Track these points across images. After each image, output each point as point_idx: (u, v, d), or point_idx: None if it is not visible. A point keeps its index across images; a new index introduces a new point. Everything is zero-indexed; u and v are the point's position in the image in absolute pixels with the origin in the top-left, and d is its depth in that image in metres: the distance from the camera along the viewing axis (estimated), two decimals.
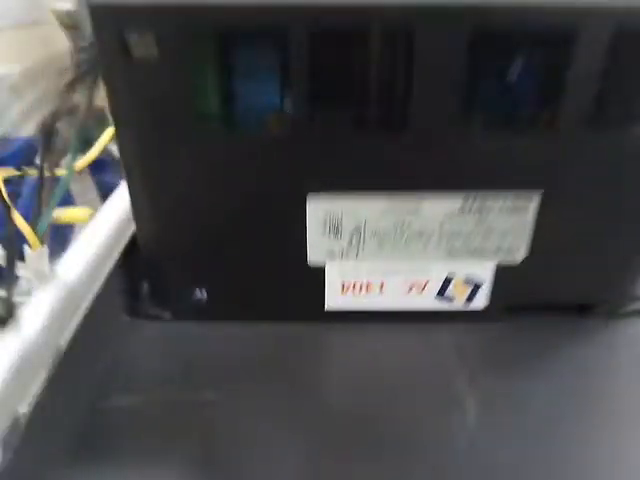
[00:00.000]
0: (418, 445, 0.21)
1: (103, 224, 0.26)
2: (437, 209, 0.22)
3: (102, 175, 0.39)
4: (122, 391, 0.22)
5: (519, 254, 0.23)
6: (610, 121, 0.20)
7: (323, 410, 0.22)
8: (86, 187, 0.40)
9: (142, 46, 0.19)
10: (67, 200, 0.35)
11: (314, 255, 0.23)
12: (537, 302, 0.25)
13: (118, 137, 0.21)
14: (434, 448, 0.21)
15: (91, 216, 0.28)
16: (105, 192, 0.37)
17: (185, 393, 0.22)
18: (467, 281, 0.24)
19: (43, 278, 0.22)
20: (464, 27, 0.18)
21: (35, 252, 0.22)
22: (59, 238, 0.32)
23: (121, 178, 0.28)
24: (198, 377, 0.23)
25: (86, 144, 0.33)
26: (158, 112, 0.20)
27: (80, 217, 0.30)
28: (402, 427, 0.21)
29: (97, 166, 0.37)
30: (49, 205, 0.22)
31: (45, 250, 0.22)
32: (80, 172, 0.32)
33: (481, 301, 0.25)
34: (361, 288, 0.24)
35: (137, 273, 0.26)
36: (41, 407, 0.19)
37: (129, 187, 0.23)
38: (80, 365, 0.22)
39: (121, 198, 0.28)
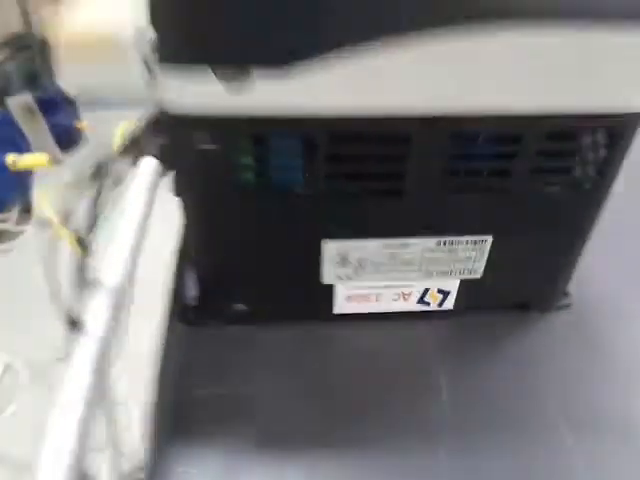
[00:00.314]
0: (403, 406, 0.30)
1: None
2: (420, 247, 0.30)
3: (55, 117, 0.38)
4: (193, 386, 0.30)
5: (477, 273, 0.32)
6: (535, 187, 0.28)
7: (332, 384, 0.31)
8: (40, 130, 0.38)
9: (203, 141, 0.26)
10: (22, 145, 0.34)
11: (327, 278, 0.31)
12: (490, 303, 0.34)
13: (181, 198, 0.28)
14: (414, 405, 0.30)
15: (49, 161, 0.31)
16: (59, 134, 0.36)
17: (236, 386, 0.30)
18: (440, 291, 0.33)
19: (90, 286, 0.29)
20: (443, 131, 0.25)
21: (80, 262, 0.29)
22: (18, 184, 0.32)
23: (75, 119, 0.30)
24: (243, 373, 0.31)
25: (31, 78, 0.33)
26: (212, 181, 0.27)
27: (38, 162, 0.31)
28: (393, 393, 0.30)
29: (49, 106, 0.35)
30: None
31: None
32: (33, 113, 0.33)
33: (450, 304, 0.34)
34: (361, 298, 0.33)
35: (187, 290, 0.33)
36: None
37: (188, 232, 0.30)
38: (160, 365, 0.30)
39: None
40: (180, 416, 0.29)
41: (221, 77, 0.23)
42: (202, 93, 0.23)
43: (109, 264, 0.31)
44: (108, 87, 0.25)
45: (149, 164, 0.38)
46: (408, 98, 0.24)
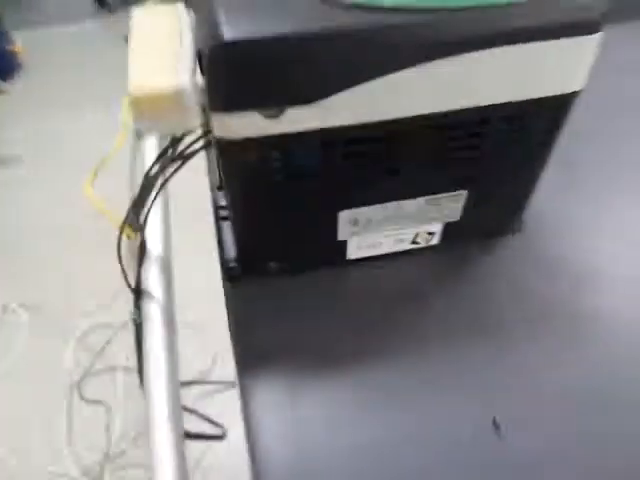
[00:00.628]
0: (405, 318, 0.40)
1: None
2: (412, 206, 0.38)
3: None
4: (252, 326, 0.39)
5: (456, 217, 0.41)
6: (498, 154, 0.37)
7: (354, 308, 0.41)
8: None
9: (246, 156, 0.33)
10: None
11: (341, 235, 0.40)
12: (464, 235, 0.44)
13: (226, 188, 0.36)
14: (413, 316, 0.40)
15: None
16: None
17: (286, 321, 0.40)
18: (427, 233, 0.42)
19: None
20: (425, 133, 0.33)
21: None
22: None
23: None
24: (287, 310, 0.40)
25: None
26: (251, 179, 0.34)
27: None
28: (398, 309, 0.41)
29: None
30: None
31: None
32: None
33: (435, 240, 0.43)
34: (367, 246, 0.41)
35: (227, 253, 0.42)
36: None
37: (234, 215, 0.37)
38: None
39: None
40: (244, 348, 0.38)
41: (262, 114, 0.29)
42: (245, 125, 0.30)
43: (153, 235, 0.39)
44: (176, 130, 0.31)
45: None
46: (401, 107, 0.32)
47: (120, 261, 0.40)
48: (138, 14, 0.34)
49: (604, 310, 0.41)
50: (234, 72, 0.28)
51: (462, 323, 0.41)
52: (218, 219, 0.46)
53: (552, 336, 0.39)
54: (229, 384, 1.15)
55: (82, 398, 1.22)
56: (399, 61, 0.29)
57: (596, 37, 0.32)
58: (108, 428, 1.15)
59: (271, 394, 0.37)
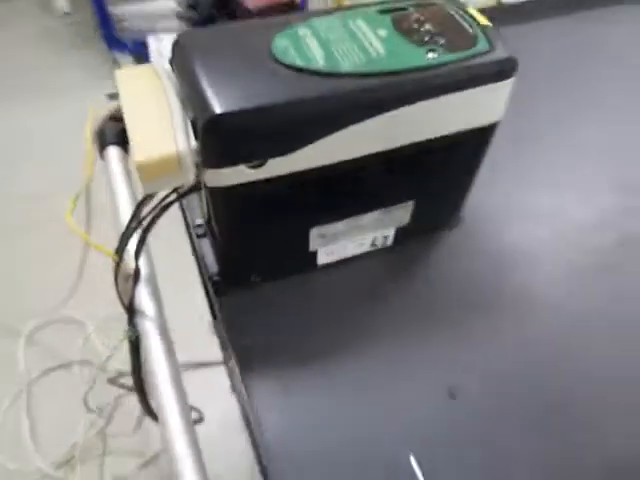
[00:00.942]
0: (371, 307, 0.48)
1: None
2: (369, 218, 0.46)
3: None
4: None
5: (405, 222, 0.49)
6: (438, 173, 0.44)
7: (326, 303, 0.48)
8: None
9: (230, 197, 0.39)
10: None
11: (312, 247, 0.47)
12: (413, 233, 0.51)
13: (216, 220, 0.41)
14: (373, 307, 0.48)
15: None
16: None
17: (273, 320, 0.46)
18: (383, 236, 0.49)
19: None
20: (379, 165, 0.40)
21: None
22: None
23: None
24: (271, 312, 0.47)
25: None
26: (236, 206, 0.40)
27: None
28: (363, 300, 0.48)
29: None
30: None
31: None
32: None
33: (389, 242, 0.51)
34: (334, 252, 0.49)
35: (210, 268, 0.48)
36: None
37: (221, 238, 0.43)
38: None
39: None
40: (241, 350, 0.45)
41: (247, 166, 0.35)
42: (234, 175, 0.36)
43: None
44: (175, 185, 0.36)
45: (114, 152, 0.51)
46: (356, 149, 0.39)
47: (117, 287, 0.45)
48: (122, 75, 0.39)
49: (538, 287, 0.50)
50: (225, 139, 0.34)
51: (416, 311, 0.49)
52: (195, 237, 0.52)
53: (494, 314, 0.49)
54: (194, 365, 1.22)
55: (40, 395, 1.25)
56: (353, 117, 0.36)
57: (511, 80, 0.39)
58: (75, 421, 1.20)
59: (267, 387, 0.44)
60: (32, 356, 1.31)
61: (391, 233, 0.49)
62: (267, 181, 0.37)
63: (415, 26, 0.39)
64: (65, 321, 1.36)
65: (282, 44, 0.37)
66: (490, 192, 0.56)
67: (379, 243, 0.50)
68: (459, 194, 0.50)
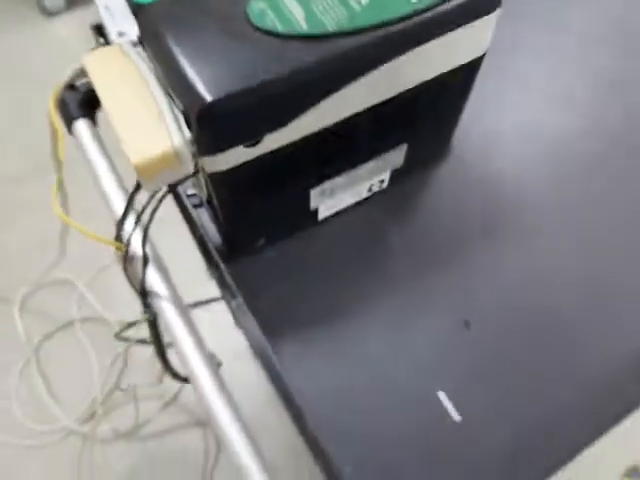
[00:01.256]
0: (371, 254, 0.49)
1: None
2: (366, 168, 0.45)
3: None
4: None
5: (400, 164, 0.48)
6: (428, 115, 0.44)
7: (329, 252, 0.49)
8: None
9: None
10: None
11: (313, 204, 0.46)
12: (407, 173, 0.51)
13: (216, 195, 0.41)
14: (373, 251, 0.49)
15: None
16: None
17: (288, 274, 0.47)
18: (379, 181, 0.49)
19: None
20: (373, 117, 0.39)
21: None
22: None
23: None
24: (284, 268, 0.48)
25: None
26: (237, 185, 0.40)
27: None
28: (366, 247, 0.49)
29: None
30: None
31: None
32: None
33: (385, 184, 0.50)
34: (333, 206, 0.48)
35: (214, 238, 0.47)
36: None
37: (222, 212, 0.43)
38: None
39: None
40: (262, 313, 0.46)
41: (244, 145, 0.34)
42: (231, 157, 0.35)
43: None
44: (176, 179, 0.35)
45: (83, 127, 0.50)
46: (351, 107, 0.37)
47: (127, 274, 0.45)
48: (91, 63, 0.36)
49: (532, 209, 0.52)
50: (220, 125, 0.32)
51: (421, 247, 0.50)
52: (191, 207, 0.51)
53: (496, 240, 0.50)
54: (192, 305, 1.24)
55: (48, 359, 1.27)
56: (345, 79, 0.35)
57: (496, 13, 0.38)
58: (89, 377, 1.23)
59: (290, 343, 0.45)
60: (31, 323, 1.32)
61: (387, 177, 0.49)
62: (265, 155, 0.36)
63: None
64: (54, 283, 1.36)
65: (258, 6, 0.34)
66: (474, 117, 0.55)
67: (376, 187, 0.50)
68: (450, 128, 0.49)
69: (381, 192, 0.51)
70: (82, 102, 0.54)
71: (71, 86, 0.55)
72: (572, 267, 0.49)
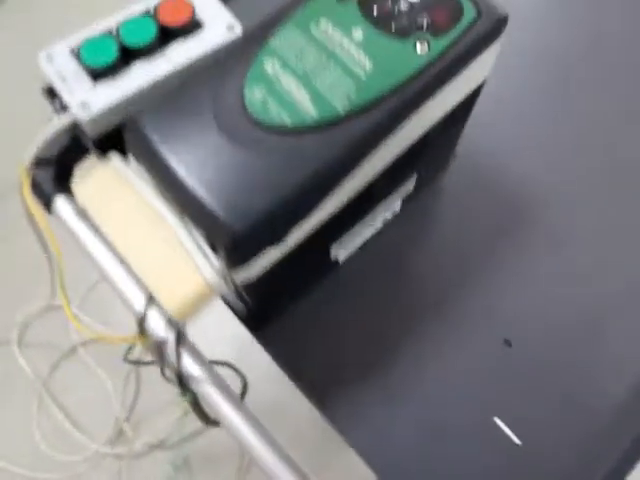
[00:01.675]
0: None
1: None
2: (381, 207, 0.43)
3: None
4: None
5: (410, 191, 0.46)
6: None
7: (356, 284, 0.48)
8: None
9: None
10: None
11: (333, 255, 0.44)
12: (417, 192, 0.49)
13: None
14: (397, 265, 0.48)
15: None
16: None
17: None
18: (392, 212, 0.47)
19: None
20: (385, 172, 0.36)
21: None
22: None
23: None
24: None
25: None
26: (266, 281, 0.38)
27: None
28: (391, 269, 0.48)
29: None
30: None
31: None
32: None
33: (397, 210, 0.48)
34: (352, 247, 0.47)
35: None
36: None
37: (251, 300, 0.41)
38: None
39: None
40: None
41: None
42: (259, 265, 0.32)
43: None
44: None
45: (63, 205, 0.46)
46: (370, 174, 0.35)
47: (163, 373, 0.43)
48: (82, 192, 0.32)
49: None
50: (250, 246, 0.30)
51: (446, 261, 0.49)
52: None
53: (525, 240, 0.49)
54: None
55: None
56: (364, 157, 0.32)
57: (502, 35, 0.35)
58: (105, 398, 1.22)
59: (343, 408, 0.44)
60: (33, 358, 1.29)
61: (398, 206, 0.47)
62: (291, 252, 0.34)
63: (388, 6, 0.33)
64: (47, 311, 1.32)
65: (256, 97, 0.31)
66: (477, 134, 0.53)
67: (389, 216, 0.48)
68: (454, 144, 0.47)
69: (394, 218, 0.49)
70: (56, 177, 0.50)
71: (39, 162, 0.50)
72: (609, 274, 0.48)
